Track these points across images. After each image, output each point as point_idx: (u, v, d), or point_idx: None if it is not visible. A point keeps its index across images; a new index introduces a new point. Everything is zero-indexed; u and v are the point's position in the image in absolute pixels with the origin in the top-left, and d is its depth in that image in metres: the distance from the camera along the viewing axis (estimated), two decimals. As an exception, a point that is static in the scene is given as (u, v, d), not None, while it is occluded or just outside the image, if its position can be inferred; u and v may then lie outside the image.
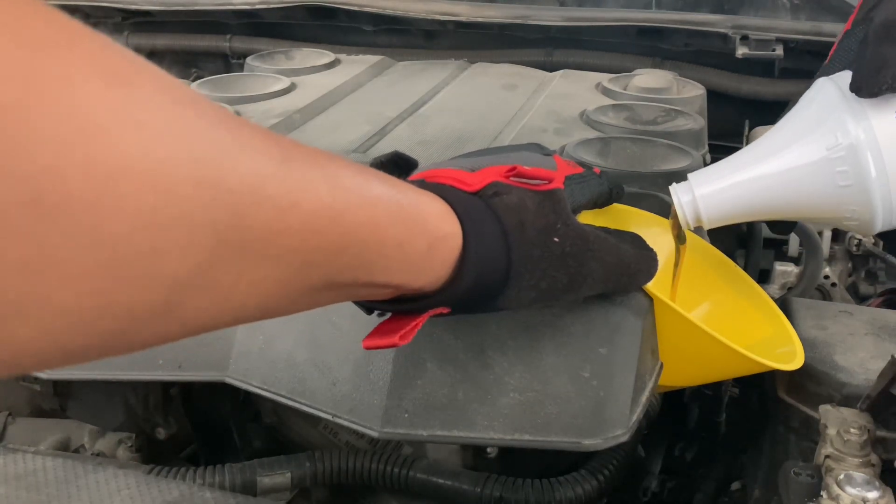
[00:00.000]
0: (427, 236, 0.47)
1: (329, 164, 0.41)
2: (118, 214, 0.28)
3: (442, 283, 0.50)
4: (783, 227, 0.78)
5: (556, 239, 0.53)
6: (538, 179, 0.56)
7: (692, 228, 0.70)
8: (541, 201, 0.54)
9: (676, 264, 0.73)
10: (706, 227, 0.69)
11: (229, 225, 0.33)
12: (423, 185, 0.52)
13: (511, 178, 0.55)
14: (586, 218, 0.71)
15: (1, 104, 0.25)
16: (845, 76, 0.63)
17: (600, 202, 0.69)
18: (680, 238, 0.72)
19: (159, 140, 0.30)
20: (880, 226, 0.64)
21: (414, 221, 0.46)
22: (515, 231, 0.52)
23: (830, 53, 0.69)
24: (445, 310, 0.52)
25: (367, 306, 0.53)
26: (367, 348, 0.52)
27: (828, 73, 0.67)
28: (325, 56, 1.32)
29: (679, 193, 0.69)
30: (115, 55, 0.30)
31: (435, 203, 0.50)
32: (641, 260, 0.61)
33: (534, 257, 0.52)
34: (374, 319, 0.53)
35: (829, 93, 0.64)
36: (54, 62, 0.27)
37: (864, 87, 0.60)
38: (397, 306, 0.52)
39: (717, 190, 0.67)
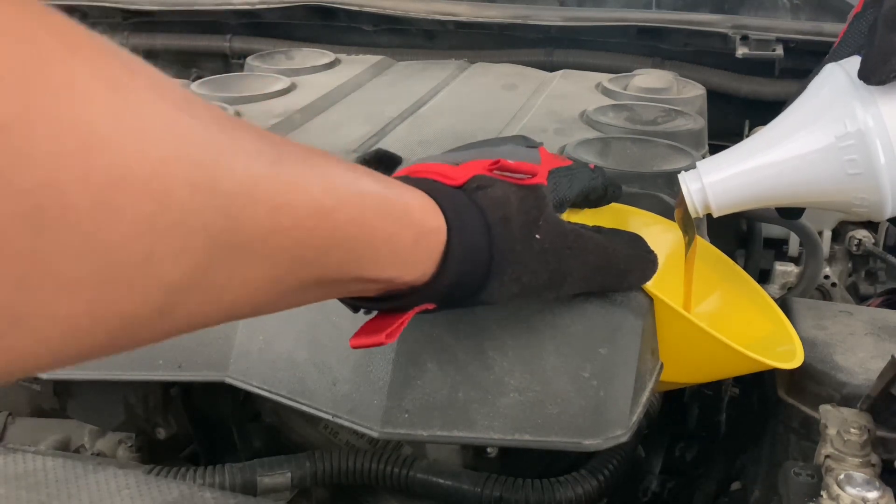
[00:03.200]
0: (413, 230, 0.47)
1: (321, 163, 0.41)
2: (115, 223, 0.28)
3: (428, 277, 0.50)
4: (792, 212, 0.78)
5: (537, 235, 0.53)
6: (522, 173, 0.56)
7: (701, 216, 0.70)
8: (524, 196, 0.54)
9: (687, 259, 0.73)
10: (715, 214, 0.69)
11: (223, 228, 0.33)
12: (406, 181, 0.52)
13: (495, 172, 0.55)
14: (585, 216, 0.71)
15: (2, 120, 0.25)
16: (854, 62, 0.63)
17: (593, 197, 0.68)
18: (688, 228, 0.71)
19: (156, 145, 0.29)
20: (889, 212, 0.64)
21: (401, 215, 0.46)
22: (499, 225, 0.52)
23: (840, 35, 0.68)
24: (431, 306, 0.52)
25: (353, 304, 0.53)
26: (355, 347, 0.51)
27: (837, 57, 0.66)
28: (325, 56, 1.32)
29: (688, 181, 0.69)
30: (114, 58, 0.29)
31: (419, 197, 0.50)
32: (635, 260, 0.60)
33: (515, 252, 0.52)
34: (367, 318, 0.53)
35: (838, 79, 0.64)
36: (57, 70, 0.26)
37: (873, 75, 0.60)
38: (383, 304, 0.51)
39: (726, 177, 0.67)
